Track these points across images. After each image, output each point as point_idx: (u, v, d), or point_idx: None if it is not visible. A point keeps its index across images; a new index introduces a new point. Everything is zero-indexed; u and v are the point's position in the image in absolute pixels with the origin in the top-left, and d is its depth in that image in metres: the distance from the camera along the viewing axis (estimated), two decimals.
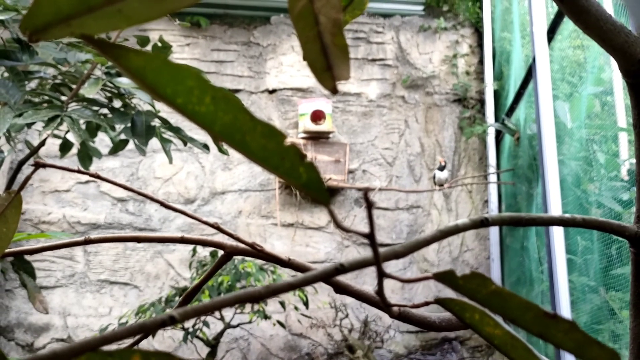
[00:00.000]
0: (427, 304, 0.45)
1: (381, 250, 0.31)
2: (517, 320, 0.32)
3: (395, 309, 0.45)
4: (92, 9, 0.27)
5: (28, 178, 0.44)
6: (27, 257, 2.12)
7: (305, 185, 0.30)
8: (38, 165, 0.44)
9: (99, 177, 0.47)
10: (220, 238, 0.55)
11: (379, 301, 0.47)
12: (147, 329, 0.28)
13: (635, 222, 0.52)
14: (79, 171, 0.47)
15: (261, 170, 5.16)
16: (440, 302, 0.39)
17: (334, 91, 0.33)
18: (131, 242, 0.51)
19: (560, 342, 0.31)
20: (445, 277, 0.33)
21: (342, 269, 0.31)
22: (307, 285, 0.30)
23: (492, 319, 0.36)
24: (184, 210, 0.54)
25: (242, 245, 0.52)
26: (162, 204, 0.53)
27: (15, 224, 0.43)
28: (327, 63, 0.32)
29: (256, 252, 0.52)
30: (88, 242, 0.50)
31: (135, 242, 0.49)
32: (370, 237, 0.30)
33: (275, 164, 0.30)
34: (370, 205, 0.28)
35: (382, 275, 0.32)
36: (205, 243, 0.53)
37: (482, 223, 0.35)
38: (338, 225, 0.30)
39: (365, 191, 0.27)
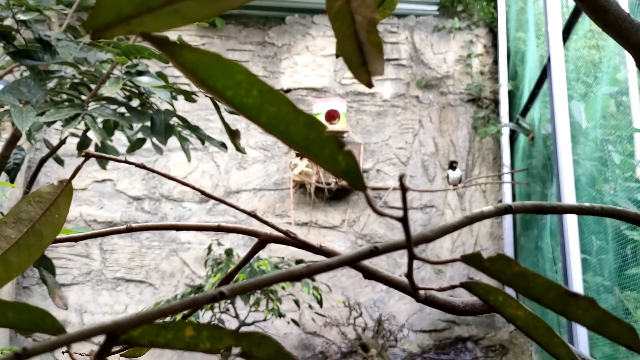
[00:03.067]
0: (453, 287, 0.47)
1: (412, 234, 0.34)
2: (540, 299, 0.34)
3: (422, 292, 0.47)
4: (151, 9, 0.29)
5: (79, 168, 0.46)
6: (47, 253, 2.16)
7: (344, 172, 0.32)
8: (88, 156, 0.47)
9: (144, 167, 0.50)
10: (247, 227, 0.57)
11: (406, 285, 0.49)
12: (199, 304, 0.30)
13: None
14: (125, 161, 0.49)
15: (276, 169, 5.19)
16: (465, 285, 0.41)
17: (369, 85, 0.36)
18: (171, 230, 0.54)
19: (580, 318, 0.33)
20: (472, 259, 0.35)
21: (376, 251, 0.33)
22: (344, 266, 0.32)
23: (515, 301, 0.39)
24: (226, 200, 0.57)
25: (276, 233, 0.55)
26: (208, 195, 0.56)
27: (66, 211, 0.46)
28: (363, 59, 0.35)
29: (290, 239, 0.55)
30: (130, 230, 0.52)
31: (175, 230, 0.52)
32: (404, 220, 0.32)
33: (316, 152, 0.32)
34: (404, 190, 0.30)
35: (412, 257, 0.35)
36: (240, 231, 0.55)
37: (506, 210, 0.37)
38: (374, 209, 0.33)
39: (400, 177, 0.29)
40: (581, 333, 2.98)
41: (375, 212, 0.32)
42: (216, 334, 0.30)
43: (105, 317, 4.83)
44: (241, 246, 4.90)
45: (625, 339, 0.32)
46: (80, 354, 0.44)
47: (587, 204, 0.39)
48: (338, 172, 0.32)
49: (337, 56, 0.40)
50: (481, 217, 0.37)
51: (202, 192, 0.57)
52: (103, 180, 5.09)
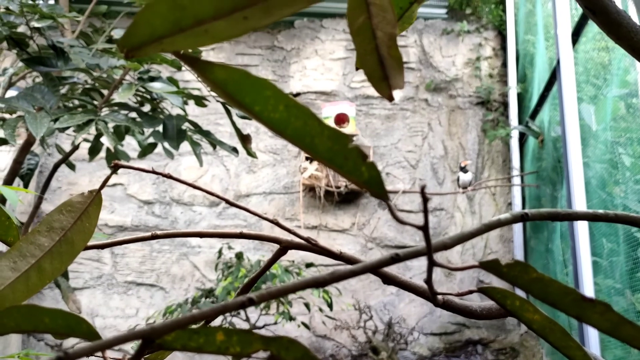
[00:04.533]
0: (471, 292, 0.48)
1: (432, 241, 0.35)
2: (556, 303, 0.35)
3: (440, 297, 0.48)
4: (182, 29, 0.31)
5: (108, 178, 0.48)
6: None
7: (367, 183, 0.33)
8: (117, 167, 0.48)
9: (170, 177, 0.51)
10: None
11: (425, 290, 0.51)
12: (229, 309, 0.31)
13: None
14: (153, 172, 0.51)
15: (285, 173, 5.21)
16: (483, 290, 0.42)
17: (390, 99, 0.37)
18: (194, 237, 0.55)
19: (596, 323, 0.34)
20: (490, 266, 0.36)
21: (398, 258, 0.34)
22: (367, 273, 0.34)
23: (532, 305, 0.40)
24: (247, 207, 0.58)
25: (297, 240, 0.56)
26: (228, 202, 0.57)
27: (95, 220, 0.48)
28: (384, 73, 0.36)
29: (311, 245, 0.56)
30: (155, 237, 0.54)
31: (199, 237, 0.53)
32: (425, 229, 0.33)
33: (340, 164, 0.33)
34: (425, 200, 0.31)
35: (432, 264, 0.36)
36: (262, 238, 0.57)
37: (523, 218, 0.38)
38: (395, 218, 0.34)
39: (422, 188, 0.31)
40: (592, 336, 2.98)
41: (397, 221, 0.33)
42: (246, 338, 0.32)
43: (116, 321, 4.86)
44: (251, 250, 4.93)
45: (639, 341, 0.33)
46: (113, 358, 0.45)
47: (601, 211, 0.40)
48: (361, 182, 0.33)
49: (357, 69, 0.41)
50: (498, 224, 0.38)
51: (226, 201, 0.58)
52: (114, 185, 5.12)
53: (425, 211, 0.32)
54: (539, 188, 4.45)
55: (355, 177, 0.33)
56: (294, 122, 0.32)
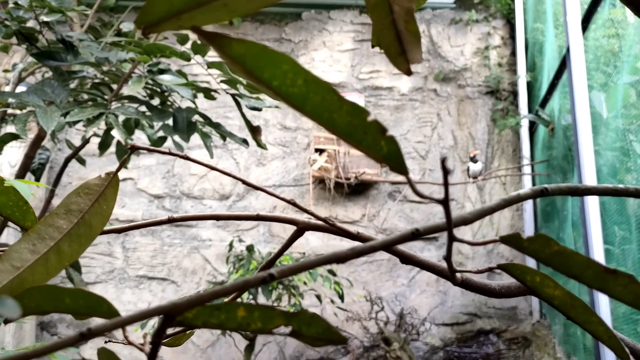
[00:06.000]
0: (490, 269, 0.48)
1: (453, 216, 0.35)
2: (579, 276, 0.35)
3: (458, 275, 0.48)
4: (200, 4, 0.31)
5: (125, 160, 0.48)
6: None
7: (386, 157, 0.33)
8: (134, 148, 0.48)
9: (187, 157, 0.51)
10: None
11: (443, 269, 0.50)
12: (251, 285, 0.31)
13: None
14: (170, 153, 0.51)
15: (295, 165, 5.21)
16: (503, 267, 0.42)
17: (409, 73, 0.37)
18: (211, 219, 0.55)
19: (619, 294, 0.34)
20: (512, 240, 0.36)
21: (418, 233, 0.34)
22: (388, 248, 0.34)
23: (552, 281, 0.40)
24: (271, 191, 0.58)
25: (314, 220, 0.56)
26: (251, 184, 0.57)
27: (113, 202, 0.48)
28: (401, 48, 0.36)
29: (329, 226, 0.56)
30: (172, 220, 0.54)
31: (216, 220, 0.53)
32: (445, 203, 0.33)
33: (359, 138, 0.33)
34: (446, 172, 0.31)
35: (452, 239, 0.36)
36: (280, 220, 0.57)
37: (542, 192, 0.38)
38: (416, 192, 0.34)
39: (443, 160, 0.30)
40: (605, 313, 2.97)
41: (417, 195, 0.33)
42: (268, 313, 0.32)
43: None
44: (262, 242, 4.93)
45: None
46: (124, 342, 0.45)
47: (621, 185, 0.40)
48: (381, 157, 0.33)
49: (373, 46, 0.41)
50: (517, 199, 0.38)
51: (245, 182, 0.58)
52: (124, 179, 5.14)
53: (446, 184, 0.32)
54: (549, 177, 4.43)
55: (375, 152, 0.33)
56: (313, 97, 0.32)
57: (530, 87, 5.15)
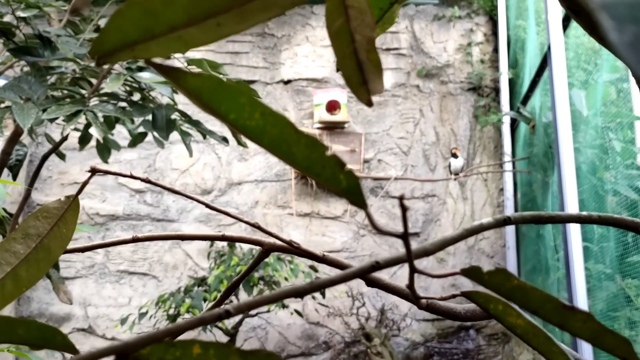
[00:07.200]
0: (454, 296, 0.48)
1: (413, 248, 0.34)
2: (538, 311, 0.35)
3: (424, 301, 0.48)
4: (155, 36, 0.30)
5: (85, 184, 0.47)
6: None
7: (345, 191, 0.33)
8: (94, 171, 0.48)
9: (149, 181, 0.50)
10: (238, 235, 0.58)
11: (409, 294, 0.50)
12: (206, 322, 0.31)
13: None
14: (131, 176, 0.50)
15: (277, 161, 5.20)
16: (466, 294, 0.42)
17: (369, 104, 0.36)
18: (176, 239, 0.54)
19: (577, 331, 0.34)
20: (472, 273, 0.36)
21: (378, 266, 0.34)
22: (347, 282, 0.33)
23: (515, 310, 0.40)
24: (235, 214, 0.57)
25: (279, 242, 0.55)
26: (213, 208, 0.57)
27: (73, 225, 0.47)
28: (363, 78, 0.35)
29: (293, 248, 0.55)
30: (136, 240, 0.53)
31: (180, 240, 0.52)
32: (405, 237, 0.33)
33: (318, 172, 0.33)
34: (404, 209, 0.31)
35: (413, 271, 0.35)
36: (245, 241, 0.56)
37: (505, 222, 0.38)
38: (375, 227, 0.33)
39: (401, 199, 0.30)
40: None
41: (377, 231, 0.33)
42: (223, 351, 0.31)
43: (109, 310, 4.86)
44: None
45: (621, 351, 0.33)
46: None
47: (584, 213, 0.40)
48: (340, 190, 0.33)
49: (338, 70, 0.41)
50: (480, 229, 0.37)
51: (207, 205, 0.58)
52: (105, 174, 5.09)
53: (404, 219, 0.32)
54: (530, 174, 4.45)
55: (334, 186, 0.33)
56: (270, 130, 0.32)
57: (512, 84, 5.17)
